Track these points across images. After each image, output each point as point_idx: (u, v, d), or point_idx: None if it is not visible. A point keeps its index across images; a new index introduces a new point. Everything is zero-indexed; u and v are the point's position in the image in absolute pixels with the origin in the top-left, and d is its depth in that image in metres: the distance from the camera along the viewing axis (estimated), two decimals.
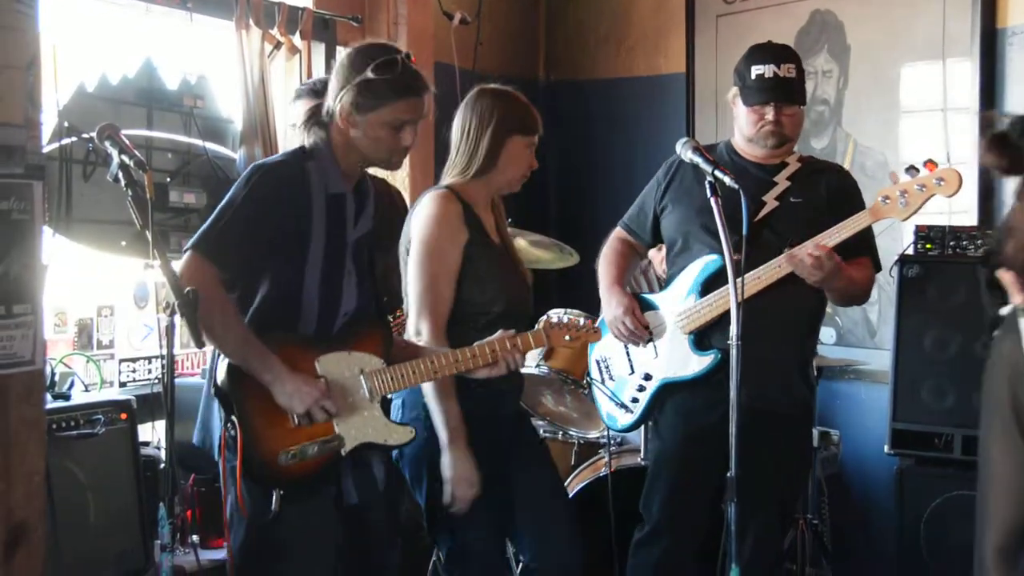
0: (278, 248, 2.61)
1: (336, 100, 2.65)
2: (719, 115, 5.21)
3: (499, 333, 2.85)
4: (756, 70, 3.27)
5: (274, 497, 2.57)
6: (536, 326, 2.94)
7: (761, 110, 3.26)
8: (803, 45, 4.96)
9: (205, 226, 2.58)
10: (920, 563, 4.03)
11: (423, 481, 2.97)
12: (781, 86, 3.26)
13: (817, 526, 4.22)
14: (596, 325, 2.99)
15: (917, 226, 4.21)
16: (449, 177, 3.07)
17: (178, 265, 2.54)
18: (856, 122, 4.83)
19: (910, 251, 4.20)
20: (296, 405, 2.58)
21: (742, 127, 3.35)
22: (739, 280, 2.78)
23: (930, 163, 3.09)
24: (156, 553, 2.89)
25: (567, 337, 2.92)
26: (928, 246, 4.13)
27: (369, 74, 2.62)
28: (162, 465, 2.88)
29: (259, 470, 2.58)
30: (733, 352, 2.74)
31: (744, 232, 2.82)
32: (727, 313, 3.14)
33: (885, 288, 4.67)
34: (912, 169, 3.11)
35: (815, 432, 4.19)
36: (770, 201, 3.28)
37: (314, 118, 2.73)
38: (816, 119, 4.95)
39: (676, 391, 3.34)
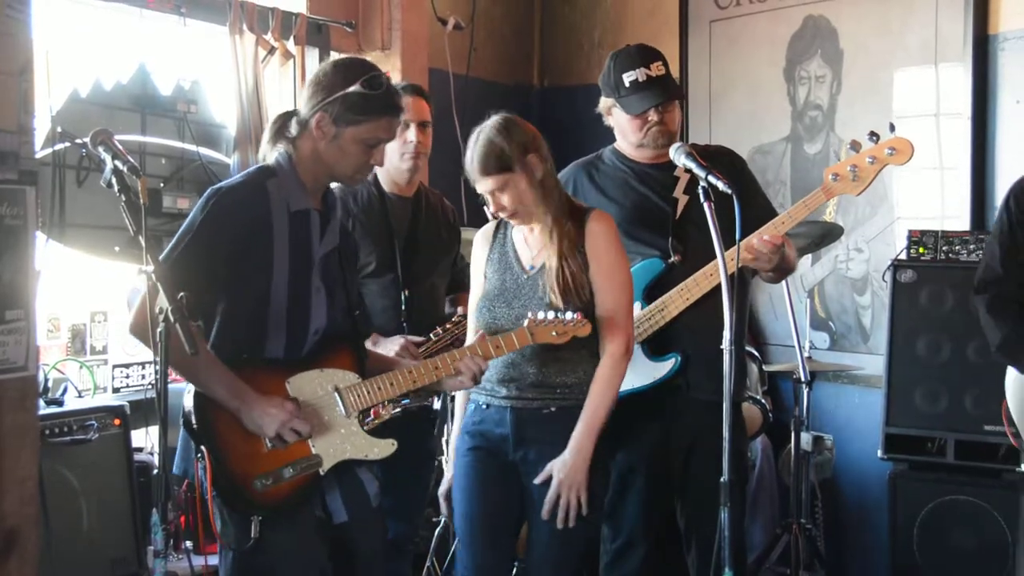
0: (239, 271, 2.58)
1: (314, 110, 2.63)
2: (712, 119, 5.22)
3: (479, 335, 2.84)
4: (628, 77, 3.22)
5: (253, 524, 2.53)
6: (522, 323, 2.87)
7: (644, 116, 3.23)
8: (796, 50, 4.98)
9: (164, 253, 2.55)
10: (913, 567, 4.04)
11: None
12: (657, 86, 3.22)
13: (810, 530, 4.23)
14: (583, 318, 2.88)
15: (910, 231, 4.23)
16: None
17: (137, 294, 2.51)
18: (849, 127, 4.83)
19: (903, 256, 4.21)
20: (266, 429, 2.54)
21: (627, 135, 3.30)
22: (731, 278, 2.75)
23: (874, 134, 3.07)
24: (149, 559, 2.87)
25: (553, 333, 2.84)
26: (921, 251, 4.15)
27: (358, 87, 2.61)
28: (155, 471, 2.88)
29: (235, 497, 2.54)
30: (726, 356, 2.72)
31: (738, 237, 2.79)
32: (678, 317, 3.16)
33: (878, 293, 4.69)
34: (856, 144, 3.09)
35: (809, 436, 4.21)
36: (681, 197, 3.26)
37: (280, 132, 2.70)
38: (809, 124, 4.96)
39: (635, 401, 3.23)
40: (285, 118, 2.72)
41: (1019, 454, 3.72)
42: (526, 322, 2.84)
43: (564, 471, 2.84)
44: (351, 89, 2.61)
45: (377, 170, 3.61)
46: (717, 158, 3.30)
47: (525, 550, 3.08)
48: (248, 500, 2.55)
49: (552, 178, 2.97)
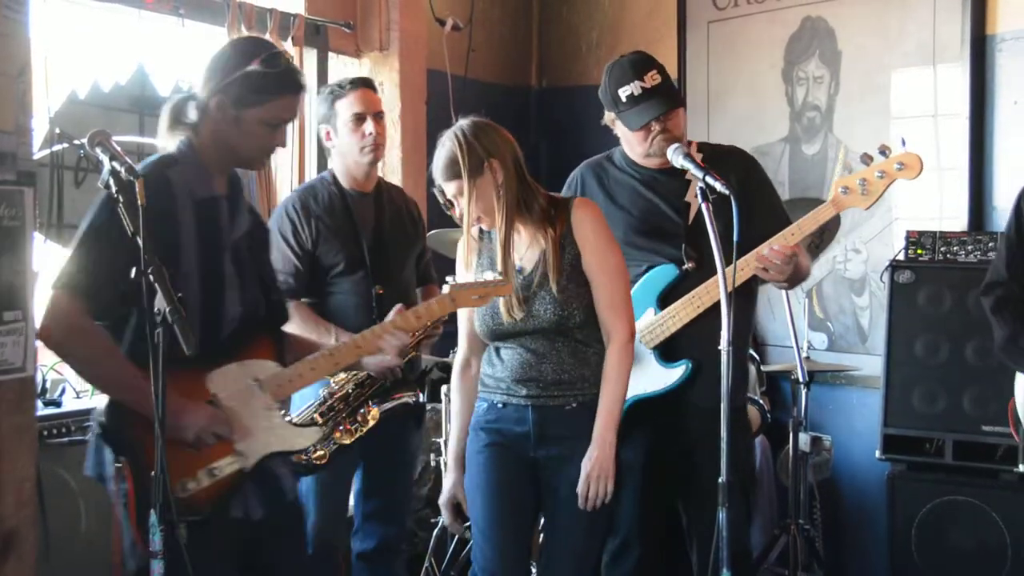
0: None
1: (212, 93, 2.55)
2: (710, 120, 5.23)
3: (395, 308, 2.79)
4: (624, 92, 3.19)
5: (180, 529, 2.35)
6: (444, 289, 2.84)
7: (647, 128, 3.20)
8: (794, 51, 4.99)
9: (65, 260, 2.48)
10: (912, 567, 4.04)
11: None
12: (653, 97, 3.19)
13: (809, 531, 4.23)
14: (504, 278, 2.85)
15: (908, 232, 4.23)
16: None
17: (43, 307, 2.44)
18: (847, 128, 4.84)
19: (901, 256, 4.21)
20: (184, 435, 2.44)
21: (632, 147, 3.29)
22: (729, 283, 2.76)
23: (884, 148, 3.08)
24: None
25: (475, 296, 2.81)
26: (919, 251, 4.15)
27: (256, 67, 2.54)
28: (153, 472, 2.86)
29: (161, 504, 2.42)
30: (724, 357, 2.72)
31: (736, 238, 2.79)
32: (690, 324, 3.16)
33: (876, 294, 4.69)
34: (867, 157, 3.10)
35: (807, 437, 4.21)
36: (693, 202, 3.22)
37: (178, 119, 2.61)
38: (807, 125, 4.97)
39: (644, 405, 3.24)
40: (182, 103, 2.62)
41: (1017, 454, 3.73)
42: (447, 288, 2.80)
43: (592, 463, 2.84)
44: (249, 68, 2.54)
45: (335, 168, 3.62)
46: (727, 158, 3.32)
47: (541, 549, 3.08)
48: (174, 505, 2.37)
49: (515, 183, 2.92)
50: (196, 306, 2.52)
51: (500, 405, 2.98)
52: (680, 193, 3.26)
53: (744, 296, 3.21)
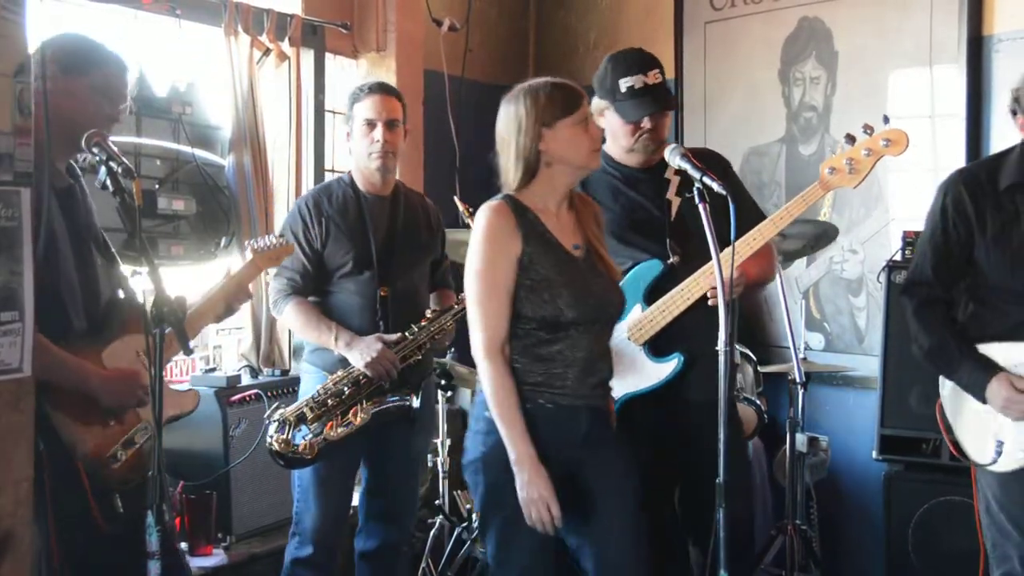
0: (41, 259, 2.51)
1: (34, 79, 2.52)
2: (707, 121, 5.23)
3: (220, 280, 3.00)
4: (625, 82, 3.20)
5: (116, 499, 2.64)
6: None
7: (639, 123, 3.22)
8: (791, 51, 4.99)
9: None
10: (908, 567, 4.05)
11: (479, 487, 2.83)
12: (652, 94, 3.21)
13: (806, 532, 4.23)
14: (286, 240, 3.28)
15: (905, 232, 4.24)
16: (507, 189, 2.89)
17: None
18: (844, 129, 4.78)
19: (898, 257, 4.22)
20: (128, 400, 2.68)
21: (619, 139, 3.29)
22: (727, 279, 2.75)
23: (867, 127, 3.07)
24: None
25: (270, 259, 3.20)
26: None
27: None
28: (150, 472, 2.86)
29: (96, 478, 2.61)
30: (721, 357, 2.72)
31: (732, 238, 2.80)
32: (679, 318, 3.15)
33: (873, 294, 4.70)
34: (850, 137, 3.08)
35: (804, 437, 4.22)
36: (673, 199, 3.26)
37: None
38: (804, 126, 4.97)
39: (637, 403, 3.23)
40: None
41: None
42: (247, 253, 3.13)
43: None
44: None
45: (352, 170, 3.64)
46: (706, 160, 3.28)
47: (593, 547, 2.87)
48: (107, 477, 2.63)
49: None
50: (76, 288, 2.68)
51: (551, 406, 2.78)
52: (661, 191, 3.28)
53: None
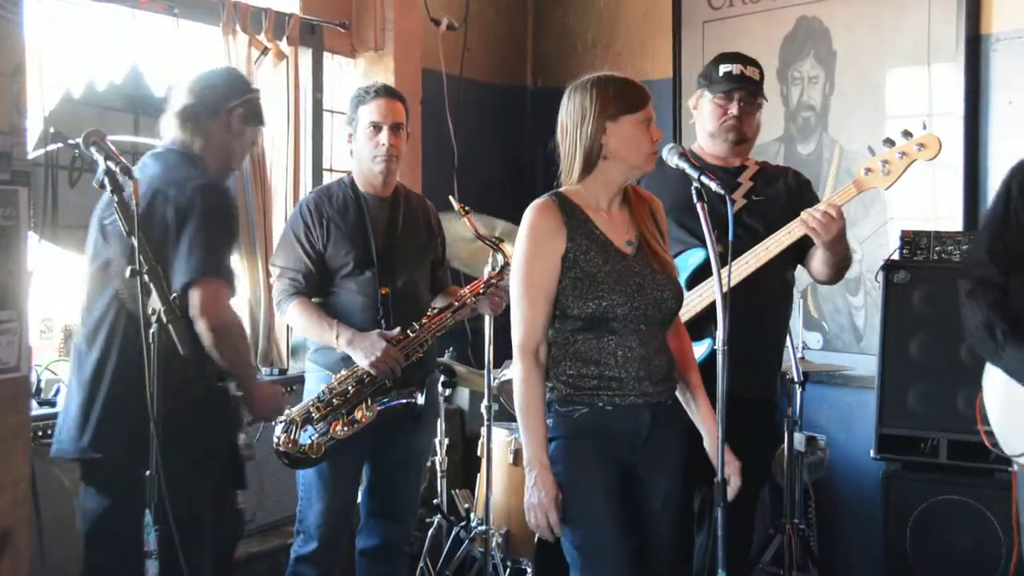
0: None
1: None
2: None
3: None
4: (724, 68, 3.44)
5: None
6: None
7: (726, 103, 3.42)
8: (789, 51, 4.99)
9: None
10: (906, 567, 4.05)
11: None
12: (746, 82, 3.43)
13: (804, 531, 4.24)
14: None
15: (903, 231, 4.24)
16: (564, 184, 2.85)
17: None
18: (842, 127, 4.85)
19: (896, 256, 4.22)
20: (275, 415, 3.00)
21: (705, 123, 3.50)
22: (725, 282, 2.75)
23: (907, 132, 3.22)
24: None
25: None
26: (914, 251, 4.16)
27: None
28: (148, 471, 2.87)
29: None
30: (719, 356, 2.72)
31: (731, 239, 2.81)
32: (709, 308, 3.18)
33: (871, 293, 4.69)
34: (889, 141, 3.23)
35: (802, 437, 4.22)
36: (739, 199, 3.39)
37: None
38: (802, 125, 4.97)
39: None
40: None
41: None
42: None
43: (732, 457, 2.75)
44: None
45: (353, 171, 3.65)
46: (782, 173, 3.56)
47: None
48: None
49: None
50: None
51: (607, 408, 2.73)
52: (730, 189, 3.26)
53: (781, 287, 3.46)
